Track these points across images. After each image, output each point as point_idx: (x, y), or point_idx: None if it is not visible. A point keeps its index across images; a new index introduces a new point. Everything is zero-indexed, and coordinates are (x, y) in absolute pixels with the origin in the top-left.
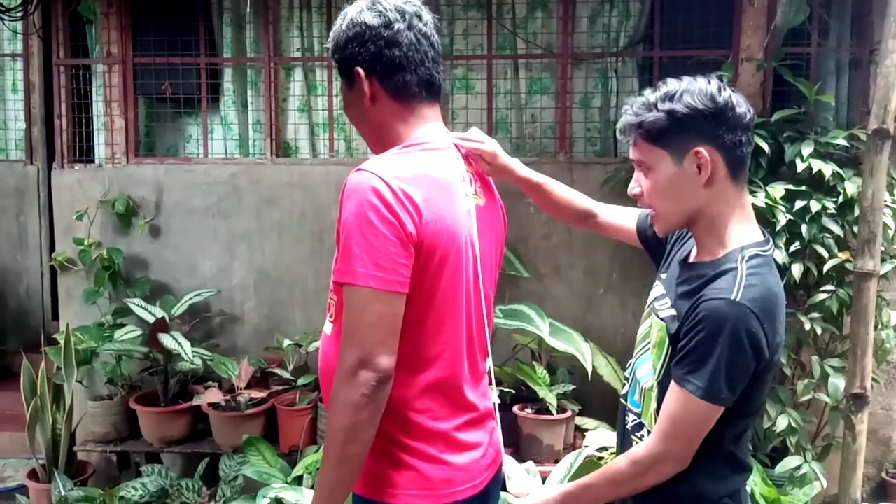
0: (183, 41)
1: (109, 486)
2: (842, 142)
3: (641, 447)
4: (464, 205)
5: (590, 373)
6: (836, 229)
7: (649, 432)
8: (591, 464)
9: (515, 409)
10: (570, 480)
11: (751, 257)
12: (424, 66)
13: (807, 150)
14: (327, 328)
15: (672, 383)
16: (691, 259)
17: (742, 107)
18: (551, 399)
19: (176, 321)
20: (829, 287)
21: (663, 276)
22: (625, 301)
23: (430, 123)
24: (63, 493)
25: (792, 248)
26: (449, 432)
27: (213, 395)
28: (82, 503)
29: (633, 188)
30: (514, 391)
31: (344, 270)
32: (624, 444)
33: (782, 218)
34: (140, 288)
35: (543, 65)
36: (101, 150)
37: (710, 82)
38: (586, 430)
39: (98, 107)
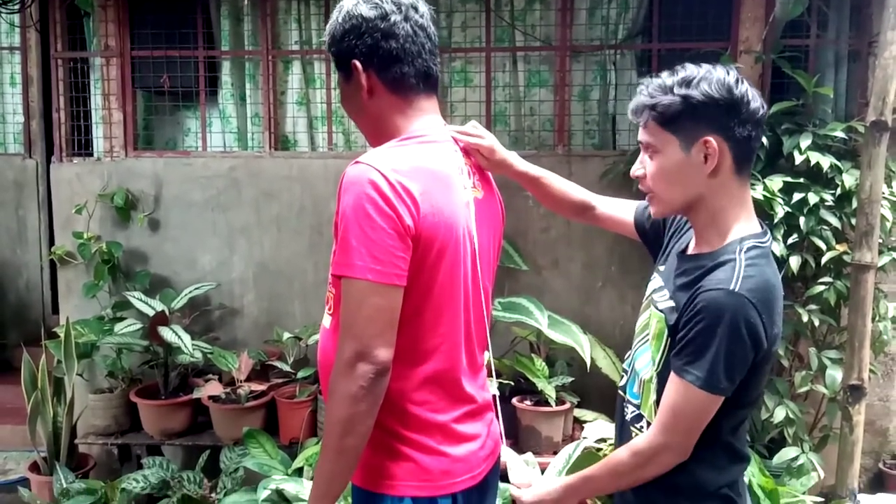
0: (181, 34)
1: (111, 479)
2: (840, 134)
3: (642, 438)
4: (462, 197)
5: (588, 365)
6: (834, 221)
7: (648, 424)
8: (589, 455)
9: (514, 400)
10: (568, 471)
11: (749, 248)
12: (421, 58)
13: (805, 142)
14: (326, 321)
15: (671, 374)
16: (689, 251)
17: (756, 102)
18: (550, 391)
19: (176, 314)
20: (826, 279)
21: (661, 268)
22: (623, 293)
23: (428, 116)
24: (64, 485)
25: (790, 241)
26: (447, 424)
27: (213, 388)
28: (84, 495)
29: (637, 170)
30: (512, 383)
31: (342, 263)
32: (623, 436)
33: (780, 210)
34: (140, 281)
35: (542, 57)
36: (99, 144)
37: (728, 73)
38: (585, 421)
39: (96, 100)
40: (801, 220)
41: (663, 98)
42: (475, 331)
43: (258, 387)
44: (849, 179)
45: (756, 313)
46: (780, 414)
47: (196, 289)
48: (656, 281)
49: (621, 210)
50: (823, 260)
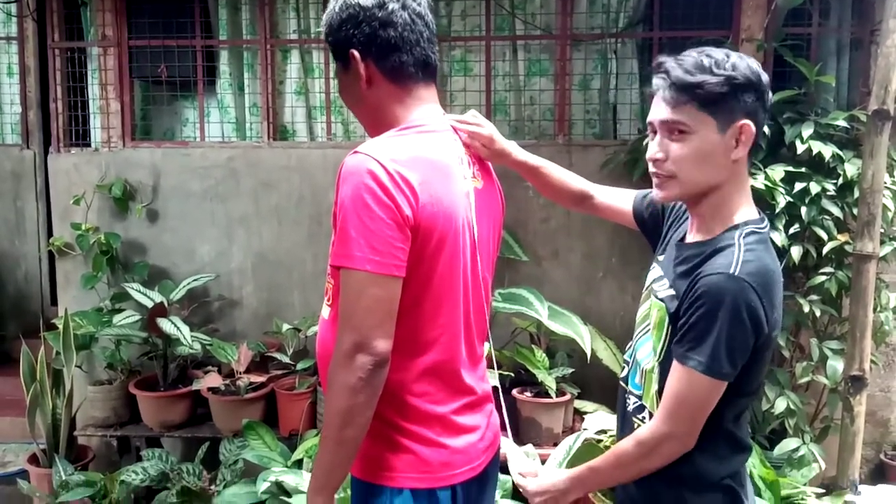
0: (178, 23)
1: (110, 471)
2: (842, 123)
3: (646, 428)
4: (461, 187)
5: (588, 356)
6: (836, 211)
7: (651, 414)
8: (590, 446)
9: (514, 392)
10: (569, 463)
11: (748, 234)
12: (420, 47)
13: (807, 131)
14: (325, 312)
15: (674, 362)
16: (688, 239)
17: (769, 90)
18: (550, 382)
19: (174, 306)
20: (828, 269)
21: (660, 258)
22: (623, 284)
23: (427, 105)
24: (64, 477)
25: (791, 231)
26: (446, 415)
27: (212, 380)
28: (83, 487)
29: (656, 153)
30: (513, 374)
31: (340, 254)
32: (625, 427)
33: (782, 200)
34: (138, 273)
35: (542, 46)
36: (97, 134)
37: (746, 58)
38: (585, 412)
39: (94, 90)
40: (803, 209)
41: (708, 78)
42: (475, 322)
43: (257, 378)
44: (850, 169)
45: (756, 297)
46: (780, 405)
47: (195, 280)
48: (656, 271)
49: (620, 199)
50: (825, 250)
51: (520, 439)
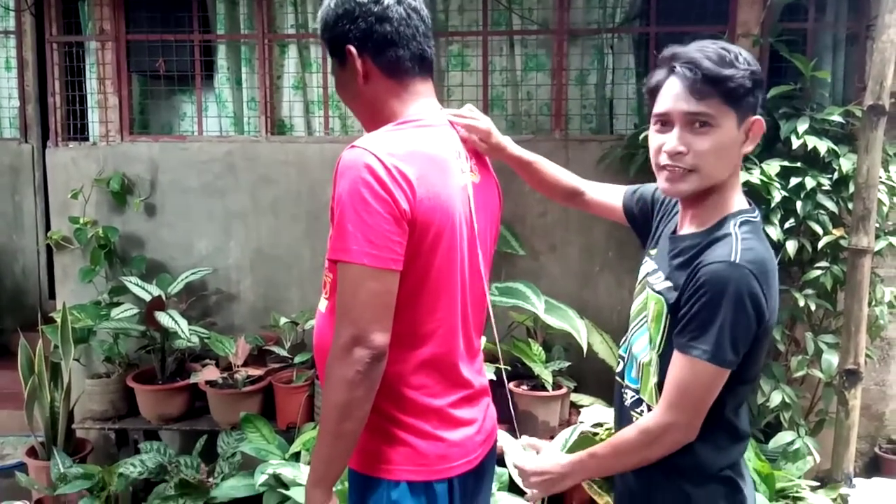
0: (176, 17)
1: (108, 464)
2: (837, 118)
3: (650, 417)
4: (459, 182)
5: (585, 350)
6: (831, 206)
7: (649, 407)
8: (586, 439)
9: (511, 385)
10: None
11: (742, 223)
12: (416, 41)
13: (802, 126)
14: (322, 305)
15: (675, 353)
16: (681, 231)
17: None
18: (547, 376)
19: (172, 299)
20: (823, 263)
21: (652, 252)
22: (620, 278)
23: (424, 99)
24: (62, 470)
25: (786, 225)
26: (443, 409)
27: (210, 373)
28: (81, 480)
29: (677, 146)
30: (509, 368)
31: (338, 248)
32: (622, 422)
33: (777, 195)
34: (136, 266)
35: (539, 41)
36: (95, 128)
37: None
38: (581, 406)
39: (92, 84)
40: (798, 204)
41: (735, 72)
42: (472, 315)
43: (255, 372)
44: (846, 164)
45: (757, 284)
46: (776, 398)
47: (192, 274)
48: (649, 264)
49: (610, 196)
50: (820, 244)
51: (516, 433)
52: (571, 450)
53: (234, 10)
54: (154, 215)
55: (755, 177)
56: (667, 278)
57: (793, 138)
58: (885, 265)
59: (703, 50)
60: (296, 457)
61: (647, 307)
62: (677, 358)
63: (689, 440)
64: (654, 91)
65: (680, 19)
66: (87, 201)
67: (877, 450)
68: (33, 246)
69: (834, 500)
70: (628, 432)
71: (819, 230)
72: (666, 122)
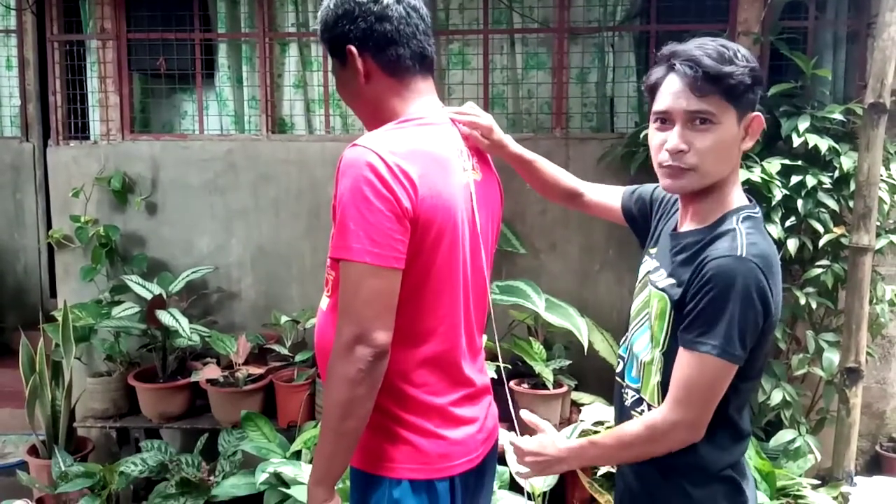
0: (177, 16)
1: (109, 462)
2: (838, 116)
3: (657, 414)
4: (460, 180)
5: (586, 348)
6: (832, 204)
7: (650, 407)
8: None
9: (512, 383)
10: None
11: (744, 218)
12: (416, 39)
13: (803, 124)
14: (324, 303)
15: (681, 350)
16: (682, 228)
17: None
18: (547, 374)
19: (173, 298)
20: (824, 262)
21: (653, 250)
22: (621, 277)
23: (425, 97)
24: (63, 468)
25: (787, 223)
26: (445, 407)
27: (211, 372)
28: (82, 479)
29: (678, 143)
30: (510, 366)
31: (340, 246)
32: (622, 422)
33: (778, 193)
34: (137, 265)
35: (540, 39)
36: (96, 127)
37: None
38: (582, 404)
39: (93, 83)
40: (799, 202)
41: (736, 69)
42: (474, 313)
43: (256, 370)
44: (847, 162)
45: (764, 278)
46: (777, 396)
47: (194, 272)
48: (650, 263)
49: (609, 196)
50: (821, 243)
51: (516, 431)
52: None
53: (234, 8)
54: (155, 214)
55: (756, 175)
56: (669, 275)
57: (794, 136)
58: (885, 263)
59: (703, 47)
60: (297, 455)
61: (649, 305)
62: (684, 355)
63: (695, 439)
64: (654, 89)
65: (680, 17)
66: (88, 200)
67: (878, 448)
68: (34, 244)
69: (835, 498)
70: (634, 426)
71: (820, 228)
72: (666, 120)
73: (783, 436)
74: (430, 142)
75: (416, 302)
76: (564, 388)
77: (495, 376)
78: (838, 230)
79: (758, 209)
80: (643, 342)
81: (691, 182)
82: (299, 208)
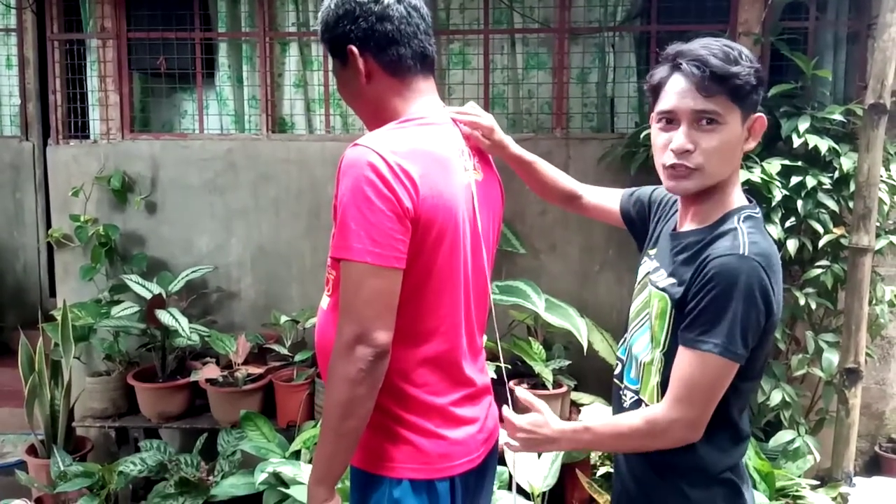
0: (177, 15)
1: (108, 462)
2: (838, 117)
3: (657, 409)
4: (462, 180)
5: (585, 348)
6: (832, 205)
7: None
8: None
9: (511, 383)
10: (565, 455)
11: (745, 218)
12: (417, 39)
13: (803, 125)
14: (324, 302)
15: (682, 349)
16: (683, 228)
17: None
18: (547, 374)
19: (173, 297)
20: (823, 262)
21: (652, 251)
22: (621, 277)
23: (426, 97)
24: (62, 468)
25: (787, 224)
26: (446, 407)
27: (210, 371)
28: (81, 478)
29: (685, 143)
30: (510, 366)
31: (341, 246)
32: None
33: (778, 193)
34: (137, 264)
35: (540, 39)
36: (96, 126)
37: None
38: (581, 404)
39: (93, 82)
40: (799, 203)
41: (742, 70)
42: (475, 313)
43: (255, 370)
44: (847, 163)
45: (766, 276)
46: (776, 397)
47: (193, 272)
48: (649, 263)
49: (607, 199)
50: (821, 243)
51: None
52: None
53: (235, 8)
54: (155, 213)
55: (756, 175)
56: (670, 275)
57: (794, 137)
58: (885, 264)
59: (709, 47)
60: (296, 455)
61: (649, 306)
62: (685, 353)
63: (694, 439)
64: (657, 89)
65: (681, 18)
66: (87, 199)
67: (877, 449)
68: (34, 244)
69: (834, 499)
70: (633, 419)
71: (820, 229)
72: (671, 120)
73: (782, 436)
74: (431, 142)
75: (416, 302)
76: (564, 389)
77: (495, 376)
78: (838, 231)
79: (758, 209)
80: (643, 343)
81: (696, 183)
82: (299, 208)
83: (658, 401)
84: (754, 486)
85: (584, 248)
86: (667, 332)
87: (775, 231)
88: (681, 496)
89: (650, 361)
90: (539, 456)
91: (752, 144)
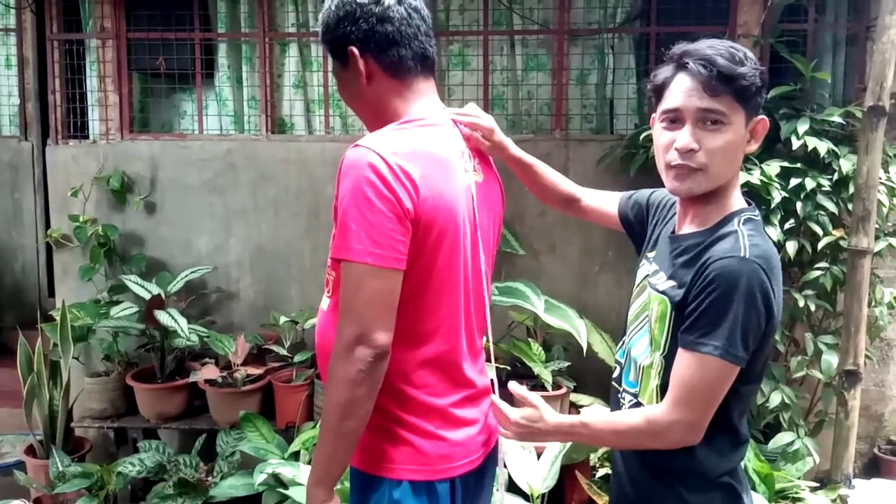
0: (177, 16)
1: (107, 462)
2: (837, 119)
3: (658, 410)
4: (462, 181)
5: (585, 350)
6: (831, 207)
7: None
8: None
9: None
10: (564, 456)
11: (745, 220)
12: (418, 40)
13: (802, 127)
14: (324, 303)
15: (681, 351)
16: (682, 231)
17: None
18: (546, 375)
19: (172, 298)
20: (823, 264)
21: (651, 254)
22: (620, 278)
23: (427, 98)
24: (60, 468)
25: (786, 226)
26: (446, 408)
27: (209, 372)
28: (80, 479)
29: (690, 143)
30: (509, 368)
31: (341, 247)
32: None
33: (777, 195)
34: (136, 264)
35: (540, 41)
36: (95, 126)
37: None
38: (581, 406)
39: (92, 82)
40: (798, 205)
41: (747, 70)
42: (475, 315)
43: (255, 371)
44: (846, 165)
45: (767, 279)
46: (775, 399)
47: (192, 272)
48: (647, 267)
49: (606, 202)
50: (820, 245)
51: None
52: (571, 449)
53: (234, 8)
54: (154, 213)
55: (755, 177)
56: (670, 277)
57: (793, 139)
58: (884, 266)
59: (715, 47)
60: (295, 456)
61: (648, 308)
62: (685, 356)
63: (693, 441)
64: (661, 88)
65: (680, 19)
66: (87, 199)
67: (876, 451)
68: (33, 244)
69: (833, 500)
70: (633, 417)
71: (819, 231)
72: (676, 119)
73: (782, 438)
74: (431, 143)
75: (416, 303)
76: (563, 390)
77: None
78: (837, 233)
79: (757, 212)
80: (641, 346)
81: (699, 184)
82: (298, 208)
83: (656, 403)
84: (753, 489)
85: (584, 249)
86: (667, 336)
87: (774, 233)
88: (678, 500)
89: (649, 364)
90: (539, 457)
91: (753, 147)
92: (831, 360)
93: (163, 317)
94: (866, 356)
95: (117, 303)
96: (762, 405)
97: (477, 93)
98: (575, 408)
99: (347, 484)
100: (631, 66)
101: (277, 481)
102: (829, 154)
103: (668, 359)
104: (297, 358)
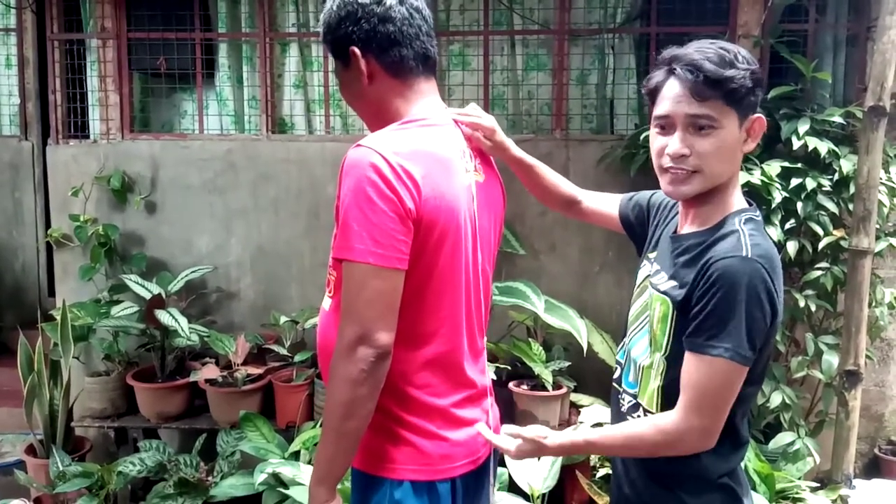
0: (177, 16)
1: (107, 462)
2: (838, 119)
3: (668, 418)
4: (463, 181)
5: (585, 349)
6: (832, 207)
7: (647, 412)
8: None
9: (511, 385)
10: (564, 458)
11: (746, 220)
12: (419, 40)
13: (803, 127)
14: (326, 303)
15: (689, 355)
16: (683, 231)
17: None
18: (547, 375)
19: (172, 297)
20: (823, 264)
21: (652, 255)
22: (620, 278)
23: (428, 98)
24: (61, 468)
25: (787, 226)
26: (447, 408)
27: (210, 372)
28: (80, 478)
29: (680, 148)
30: (509, 367)
31: (343, 247)
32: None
33: (778, 195)
34: (136, 264)
35: (540, 41)
36: (95, 126)
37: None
38: (581, 406)
39: (92, 82)
40: (799, 205)
41: (736, 73)
42: (476, 315)
43: (255, 370)
44: (846, 165)
45: (769, 278)
46: (776, 399)
47: (193, 272)
48: (649, 267)
49: (606, 204)
50: (820, 245)
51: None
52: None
53: (235, 8)
54: (154, 213)
55: (756, 177)
56: (671, 277)
57: (793, 139)
58: (885, 266)
59: (703, 51)
60: (295, 456)
61: (649, 308)
62: (694, 359)
63: (706, 447)
64: (654, 93)
65: (681, 20)
66: (87, 199)
67: (876, 451)
68: (33, 243)
69: (834, 501)
70: (643, 427)
71: (819, 231)
72: (667, 125)
73: (782, 438)
74: (433, 143)
75: (418, 303)
76: (564, 390)
77: (494, 377)
78: (838, 233)
79: (758, 212)
80: (642, 346)
81: (694, 187)
82: (299, 208)
83: (657, 405)
84: (754, 489)
85: (584, 249)
86: (669, 336)
87: (775, 233)
88: (677, 503)
89: (649, 365)
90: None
91: (751, 145)
92: (832, 360)
93: (163, 316)
94: (867, 356)
95: (118, 302)
96: (763, 405)
97: (477, 93)
98: (575, 408)
99: (349, 484)
100: (631, 67)
101: (278, 481)
102: (829, 154)
103: (670, 359)
104: (297, 358)
